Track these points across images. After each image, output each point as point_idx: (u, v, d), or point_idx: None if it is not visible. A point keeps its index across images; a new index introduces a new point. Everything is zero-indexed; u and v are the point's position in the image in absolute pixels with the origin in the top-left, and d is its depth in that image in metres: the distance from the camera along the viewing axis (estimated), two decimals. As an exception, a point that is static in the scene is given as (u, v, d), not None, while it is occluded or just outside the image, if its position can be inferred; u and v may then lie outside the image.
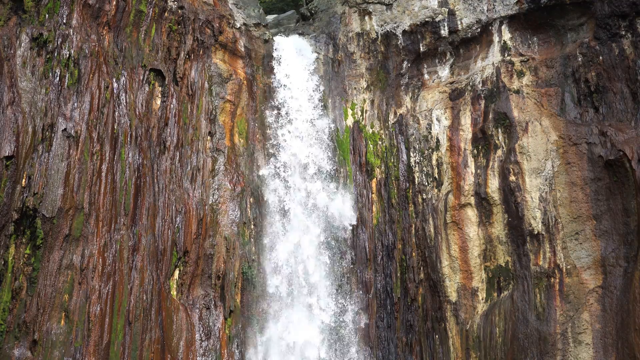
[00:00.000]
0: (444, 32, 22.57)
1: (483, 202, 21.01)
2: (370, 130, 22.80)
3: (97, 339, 16.19)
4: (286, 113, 21.98)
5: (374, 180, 22.31)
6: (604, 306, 18.84)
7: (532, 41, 22.06)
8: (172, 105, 19.77)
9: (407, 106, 23.00)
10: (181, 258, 18.75)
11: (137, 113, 18.86)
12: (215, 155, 20.39)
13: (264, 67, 22.49)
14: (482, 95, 21.89)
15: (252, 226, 20.48)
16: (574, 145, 20.23)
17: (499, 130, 21.30)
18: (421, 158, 22.22)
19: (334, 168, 21.84)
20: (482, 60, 22.46)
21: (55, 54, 17.40)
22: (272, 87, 22.26)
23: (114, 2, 19.06)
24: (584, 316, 18.96)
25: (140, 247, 17.71)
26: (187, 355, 17.92)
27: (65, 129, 17.01)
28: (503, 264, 20.50)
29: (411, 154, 22.31)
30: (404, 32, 22.94)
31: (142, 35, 19.79)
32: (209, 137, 20.47)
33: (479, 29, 22.33)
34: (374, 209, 22.02)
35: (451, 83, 22.74)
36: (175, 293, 18.49)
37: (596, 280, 19.18)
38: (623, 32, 20.38)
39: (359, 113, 22.96)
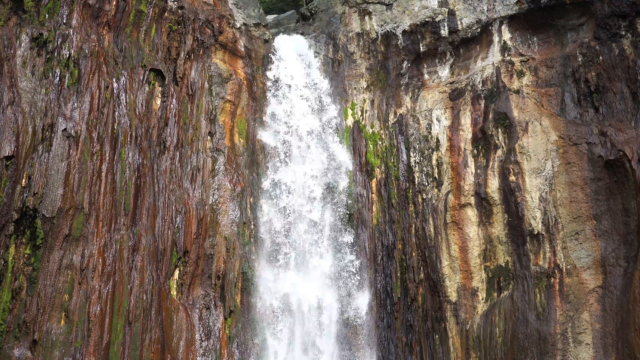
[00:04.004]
0: (444, 32, 22.57)
1: (483, 202, 21.01)
2: (370, 130, 22.79)
3: (97, 339, 16.19)
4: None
5: (374, 180, 22.30)
6: (604, 306, 18.84)
7: (532, 41, 22.06)
8: (172, 105, 19.77)
9: (407, 106, 23.00)
10: (181, 258, 18.75)
11: (137, 113, 18.86)
12: (215, 155, 20.39)
13: (264, 67, 22.50)
14: (482, 95, 21.89)
15: (252, 226, 20.48)
16: (574, 145, 20.23)
17: (499, 130, 21.30)
18: (421, 158, 22.22)
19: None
20: (482, 60, 22.46)
21: (55, 54, 17.41)
22: (271, 86, 22.29)
23: (114, 2, 19.06)
24: (584, 316, 18.96)
25: (140, 247, 17.70)
26: (187, 355, 17.91)
27: (65, 129, 17.02)
28: (503, 264, 20.50)
29: (411, 154, 22.31)
30: (404, 32, 22.94)
31: (142, 35, 19.79)
32: (209, 137, 20.47)
33: (479, 29, 22.33)
34: (374, 209, 22.01)
35: (451, 83, 22.75)
36: (175, 293, 18.49)
37: (596, 280, 19.18)
38: (623, 32, 20.38)
39: (359, 113, 22.96)
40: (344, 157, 22.09)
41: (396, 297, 21.11)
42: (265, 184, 21.01)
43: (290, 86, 22.27)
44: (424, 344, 20.61)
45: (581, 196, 19.83)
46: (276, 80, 22.29)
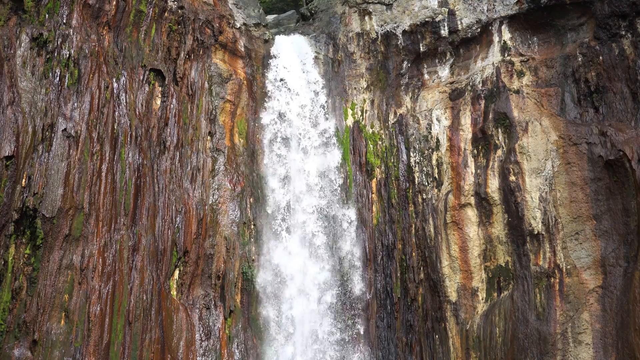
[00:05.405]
0: (444, 32, 22.57)
1: (483, 202, 21.00)
2: (370, 130, 22.80)
3: (97, 339, 16.20)
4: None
5: (374, 180, 22.30)
6: (604, 306, 18.84)
7: (532, 41, 22.06)
8: (172, 105, 19.78)
9: (407, 106, 23.00)
10: (181, 258, 18.75)
11: (137, 113, 18.86)
12: (215, 155, 20.40)
13: (264, 67, 22.50)
14: (482, 95, 21.89)
15: (252, 226, 20.48)
16: (574, 145, 20.23)
17: (499, 130, 21.30)
18: (421, 158, 22.21)
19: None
20: (482, 60, 22.46)
21: (55, 54, 17.41)
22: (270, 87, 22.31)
23: (114, 2, 19.07)
24: (584, 316, 18.95)
25: (140, 247, 17.71)
26: (187, 355, 17.92)
27: (65, 129, 17.02)
28: (503, 264, 20.50)
29: (411, 154, 22.31)
30: (404, 32, 22.94)
31: (142, 35, 19.80)
32: (209, 137, 20.48)
33: (479, 29, 22.33)
34: (374, 209, 22.01)
35: (451, 83, 22.74)
36: (175, 293, 18.49)
37: (596, 280, 19.18)
38: (623, 32, 20.38)
39: (359, 113, 22.96)
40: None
41: (396, 297, 21.12)
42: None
43: (289, 85, 22.29)
44: (424, 344, 20.61)
45: (581, 196, 19.83)
46: (276, 80, 22.30)
